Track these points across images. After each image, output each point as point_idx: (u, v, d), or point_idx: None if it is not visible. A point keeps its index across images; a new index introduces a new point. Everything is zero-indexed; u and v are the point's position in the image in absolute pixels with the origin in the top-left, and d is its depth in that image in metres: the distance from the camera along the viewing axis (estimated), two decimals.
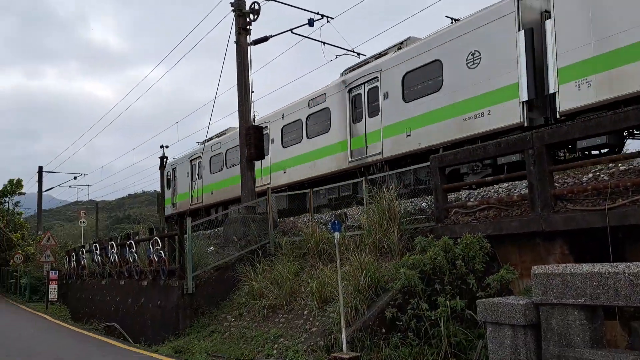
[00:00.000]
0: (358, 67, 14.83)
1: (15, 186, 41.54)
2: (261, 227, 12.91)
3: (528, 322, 4.96)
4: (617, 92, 8.76)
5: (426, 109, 12.10)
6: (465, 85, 11.21)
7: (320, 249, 10.72)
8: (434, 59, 12.00)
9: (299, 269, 10.85)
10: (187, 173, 23.12)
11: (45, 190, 41.05)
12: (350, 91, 14.39)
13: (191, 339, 10.53)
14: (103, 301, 16.69)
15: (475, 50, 11.08)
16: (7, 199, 41.81)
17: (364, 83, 13.95)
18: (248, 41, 14.30)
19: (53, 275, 22.35)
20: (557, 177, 8.02)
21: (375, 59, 14.35)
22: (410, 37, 13.84)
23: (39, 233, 36.89)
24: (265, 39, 14.58)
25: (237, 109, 14.39)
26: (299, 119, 16.33)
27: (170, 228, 13.00)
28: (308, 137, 15.96)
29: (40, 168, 39.98)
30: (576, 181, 7.99)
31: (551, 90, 9.78)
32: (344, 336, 7.37)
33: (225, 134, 21.23)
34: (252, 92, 14.24)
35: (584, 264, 4.82)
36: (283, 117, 17.16)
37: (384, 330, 7.53)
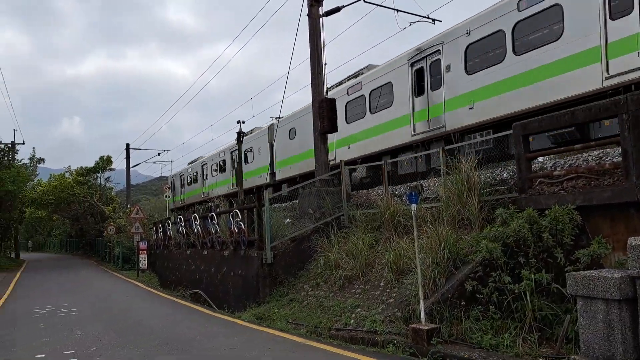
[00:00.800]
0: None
1: (105, 162, 44.54)
2: (335, 200, 13.02)
3: (623, 296, 4.68)
4: (292, 174, 20.45)
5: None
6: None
7: (396, 222, 10.67)
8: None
9: (374, 241, 10.86)
10: (180, 184, 36.32)
11: (133, 166, 43.61)
12: None
13: (271, 306, 10.91)
14: (188, 270, 17.66)
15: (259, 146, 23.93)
16: (99, 175, 45.00)
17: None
18: (320, 12, 14.19)
19: (143, 245, 23.80)
20: None
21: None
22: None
23: (128, 206, 39.46)
24: (337, 9, 14.39)
25: (309, 82, 14.44)
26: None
27: (248, 200, 13.40)
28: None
29: (127, 145, 42.35)
30: None
31: (275, 170, 21.83)
32: (422, 307, 7.33)
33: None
34: (325, 64, 14.20)
35: None
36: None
37: (463, 303, 7.40)
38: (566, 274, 5.27)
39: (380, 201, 11.51)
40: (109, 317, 11.28)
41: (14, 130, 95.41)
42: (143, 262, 23.54)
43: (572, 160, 9.16)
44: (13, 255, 44.68)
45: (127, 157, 42.00)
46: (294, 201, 15.37)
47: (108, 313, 11.96)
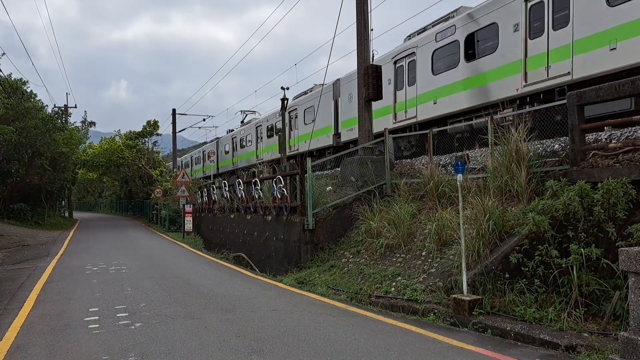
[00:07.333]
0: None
1: (152, 127, 45.64)
2: (378, 168, 12.95)
3: None
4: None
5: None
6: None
7: (440, 192, 10.54)
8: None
9: (417, 210, 10.79)
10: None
11: (179, 131, 44.52)
12: None
13: (312, 272, 11.09)
14: (232, 233, 18.11)
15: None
16: (146, 139, 46.24)
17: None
18: None
19: (188, 208, 24.52)
20: None
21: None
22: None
23: (174, 170, 40.53)
24: None
25: (354, 48, 14.19)
26: None
27: (291, 167, 13.51)
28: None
29: (174, 110, 43.10)
30: None
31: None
32: (464, 278, 7.28)
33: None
34: (371, 29, 13.88)
35: None
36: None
37: (507, 276, 7.30)
38: (619, 249, 5.08)
39: (424, 170, 11.38)
40: (157, 276, 11.74)
41: (66, 94, 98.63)
42: (188, 225, 24.27)
43: (629, 132, 8.73)
44: (67, 215, 46.99)
45: (174, 122, 42.84)
46: (336, 169, 15.39)
47: (156, 272, 12.45)
